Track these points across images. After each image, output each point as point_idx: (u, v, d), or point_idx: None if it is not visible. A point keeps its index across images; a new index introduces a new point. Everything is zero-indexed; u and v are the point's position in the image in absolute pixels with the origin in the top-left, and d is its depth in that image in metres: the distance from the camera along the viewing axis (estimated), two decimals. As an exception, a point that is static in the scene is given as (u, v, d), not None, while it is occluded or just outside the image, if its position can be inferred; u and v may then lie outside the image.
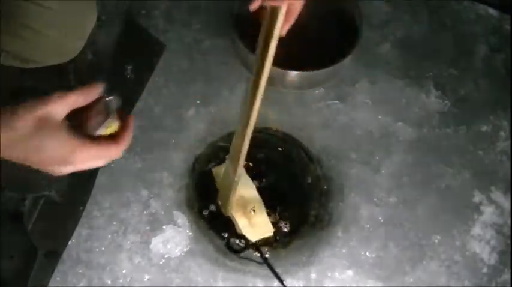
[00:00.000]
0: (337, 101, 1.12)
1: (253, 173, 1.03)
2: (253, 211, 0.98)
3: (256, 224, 0.97)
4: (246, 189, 0.99)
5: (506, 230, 1.04)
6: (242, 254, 0.97)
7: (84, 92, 0.55)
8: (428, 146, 1.10)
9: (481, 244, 1.02)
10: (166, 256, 0.95)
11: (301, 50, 1.12)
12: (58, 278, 0.91)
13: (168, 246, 0.96)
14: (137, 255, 0.95)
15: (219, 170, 1.00)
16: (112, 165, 1.00)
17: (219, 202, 1.00)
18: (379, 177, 1.06)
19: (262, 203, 0.99)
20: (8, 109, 0.51)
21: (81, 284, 0.92)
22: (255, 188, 1.00)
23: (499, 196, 1.06)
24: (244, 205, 0.98)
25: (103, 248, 0.95)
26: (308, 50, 1.12)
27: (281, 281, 0.94)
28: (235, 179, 0.87)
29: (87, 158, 0.53)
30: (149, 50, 1.13)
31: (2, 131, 0.50)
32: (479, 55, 1.21)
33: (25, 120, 0.51)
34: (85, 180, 0.99)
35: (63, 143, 0.52)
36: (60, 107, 0.53)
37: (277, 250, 0.99)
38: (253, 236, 0.97)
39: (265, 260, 0.96)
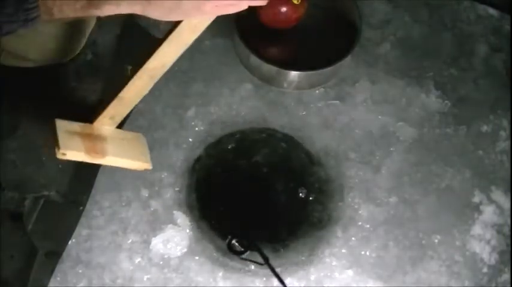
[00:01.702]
0: (337, 101, 1.12)
1: (253, 174, 1.03)
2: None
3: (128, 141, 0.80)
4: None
5: (506, 230, 1.04)
6: (243, 255, 0.97)
7: None
8: (429, 146, 1.10)
9: (481, 243, 1.02)
10: (166, 256, 0.95)
11: (301, 50, 1.12)
12: (58, 278, 0.91)
13: (168, 246, 0.96)
14: (137, 255, 0.95)
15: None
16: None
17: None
18: (379, 177, 1.06)
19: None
20: None
21: (81, 284, 0.92)
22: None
23: (499, 196, 1.06)
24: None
25: (103, 248, 0.95)
26: (308, 50, 1.12)
27: (281, 281, 0.94)
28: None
29: None
30: (149, 50, 1.13)
31: None
32: (479, 55, 1.21)
33: None
34: (85, 180, 0.98)
35: None
36: None
37: (277, 249, 0.99)
38: (124, 159, 0.79)
39: (266, 260, 0.95)
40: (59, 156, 0.72)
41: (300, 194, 1.04)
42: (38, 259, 0.91)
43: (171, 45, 0.70)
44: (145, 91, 0.76)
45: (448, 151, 1.10)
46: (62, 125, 0.74)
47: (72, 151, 0.72)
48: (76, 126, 0.76)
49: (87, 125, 0.77)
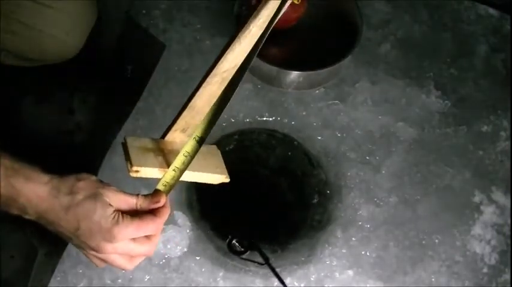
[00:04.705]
0: (337, 101, 1.12)
1: (253, 174, 1.03)
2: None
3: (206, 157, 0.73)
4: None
5: (507, 230, 1.04)
6: (243, 255, 0.97)
7: (144, 201, 0.65)
8: (429, 146, 1.10)
9: (481, 244, 1.02)
10: (166, 256, 0.95)
11: (301, 50, 1.12)
12: (58, 278, 0.91)
13: (168, 246, 0.96)
14: (137, 255, 0.95)
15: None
16: (112, 164, 1.00)
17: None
18: (379, 177, 1.06)
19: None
20: (73, 177, 0.62)
21: (81, 284, 0.91)
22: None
23: (499, 196, 1.06)
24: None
25: (103, 248, 0.95)
26: (308, 50, 1.12)
27: (282, 281, 0.94)
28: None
29: (129, 232, 0.61)
30: (149, 50, 1.13)
31: (65, 193, 0.60)
32: (479, 55, 1.21)
33: (84, 189, 0.61)
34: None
35: (109, 215, 0.60)
36: (113, 196, 0.62)
37: (277, 250, 0.99)
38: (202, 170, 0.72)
39: (267, 260, 0.95)
40: (132, 174, 0.67)
41: (300, 194, 1.04)
42: (38, 259, 0.91)
43: (242, 44, 0.65)
44: (217, 98, 0.70)
45: (448, 151, 1.10)
46: (133, 142, 0.69)
47: (146, 168, 0.68)
48: (147, 142, 0.71)
49: (159, 140, 0.72)
